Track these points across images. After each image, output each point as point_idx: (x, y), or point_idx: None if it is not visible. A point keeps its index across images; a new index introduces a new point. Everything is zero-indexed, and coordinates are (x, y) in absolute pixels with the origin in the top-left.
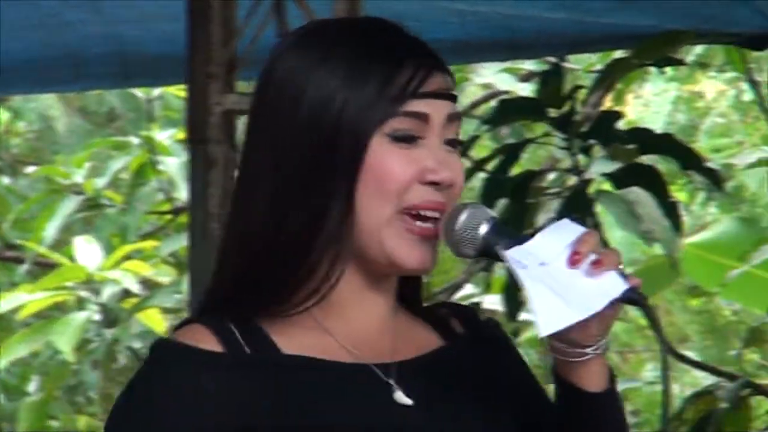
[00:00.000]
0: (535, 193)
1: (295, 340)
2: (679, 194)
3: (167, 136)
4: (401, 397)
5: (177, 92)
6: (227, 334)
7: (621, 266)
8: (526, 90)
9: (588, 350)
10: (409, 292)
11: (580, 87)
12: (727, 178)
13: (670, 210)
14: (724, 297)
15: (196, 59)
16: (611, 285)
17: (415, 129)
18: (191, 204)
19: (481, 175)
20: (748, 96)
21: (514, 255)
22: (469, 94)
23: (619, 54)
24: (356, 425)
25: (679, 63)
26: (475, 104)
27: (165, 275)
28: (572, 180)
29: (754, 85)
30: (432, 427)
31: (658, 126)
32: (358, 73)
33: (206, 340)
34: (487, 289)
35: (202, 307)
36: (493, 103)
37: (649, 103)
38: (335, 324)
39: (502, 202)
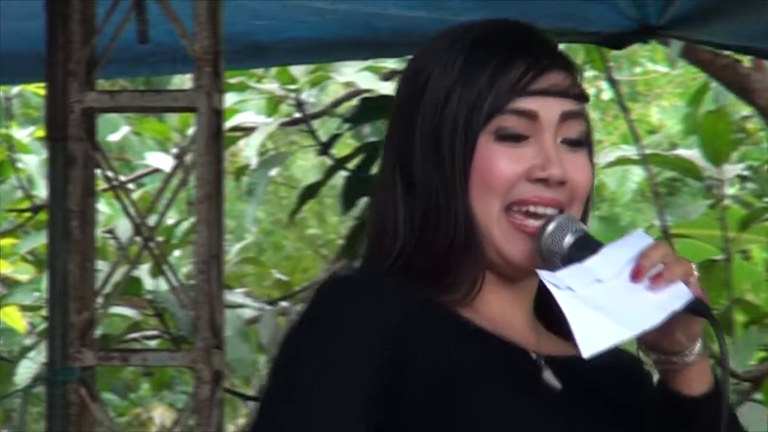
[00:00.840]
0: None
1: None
2: None
3: (26, 134)
4: (550, 378)
5: (36, 90)
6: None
7: (691, 276)
8: (388, 88)
9: (677, 358)
10: (544, 308)
11: None
12: None
13: None
14: None
15: (56, 57)
16: (674, 297)
17: (522, 127)
18: (51, 201)
19: (343, 173)
20: (607, 95)
21: (562, 274)
22: (330, 93)
23: None
24: (505, 394)
25: None
26: (337, 103)
27: (24, 273)
28: None
29: (614, 83)
30: (576, 412)
31: None
32: (469, 73)
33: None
34: None
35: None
36: (354, 101)
37: None
38: (483, 320)
39: (363, 201)
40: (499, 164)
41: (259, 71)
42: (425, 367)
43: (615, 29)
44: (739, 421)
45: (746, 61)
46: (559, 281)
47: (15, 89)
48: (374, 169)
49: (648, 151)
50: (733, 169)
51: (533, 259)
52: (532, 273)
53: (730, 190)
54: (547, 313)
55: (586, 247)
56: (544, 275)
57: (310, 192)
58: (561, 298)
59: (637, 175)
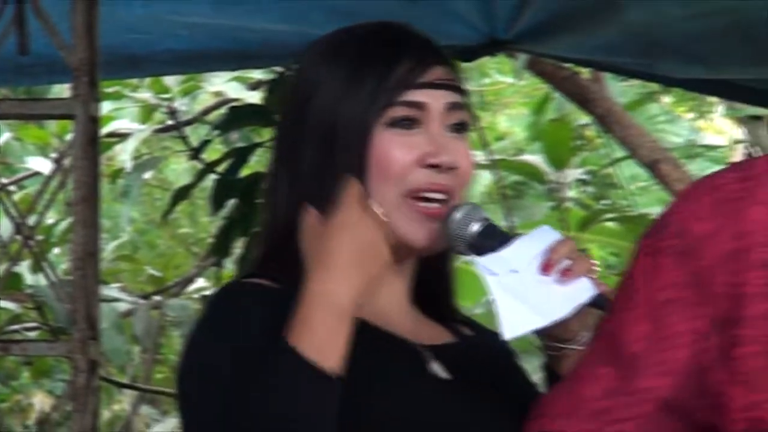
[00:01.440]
0: (262, 193)
1: None
2: None
3: None
4: (438, 369)
5: None
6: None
7: (593, 272)
8: (255, 97)
9: (570, 345)
10: (424, 295)
11: None
12: None
13: None
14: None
15: None
16: (579, 291)
17: (413, 113)
18: None
19: (213, 177)
20: None
21: (487, 262)
22: (201, 102)
23: None
24: (392, 387)
25: None
26: (207, 111)
27: None
28: None
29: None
30: (466, 399)
31: None
32: (358, 71)
33: (269, 285)
34: (217, 282)
35: (247, 273)
36: (223, 109)
37: None
38: (365, 312)
39: (232, 202)
40: (395, 152)
41: (134, 81)
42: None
43: (466, 43)
44: None
45: (585, 73)
46: (488, 267)
47: None
48: (242, 173)
49: (496, 157)
50: (573, 173)
51: (436, 240)
52: (409, 259)
53: (571, 193)
54: (425, 300)
55: (492, 236)
56: (477, 261)
57: (182, 194)
58: (491, 282)
59: (485, 178)
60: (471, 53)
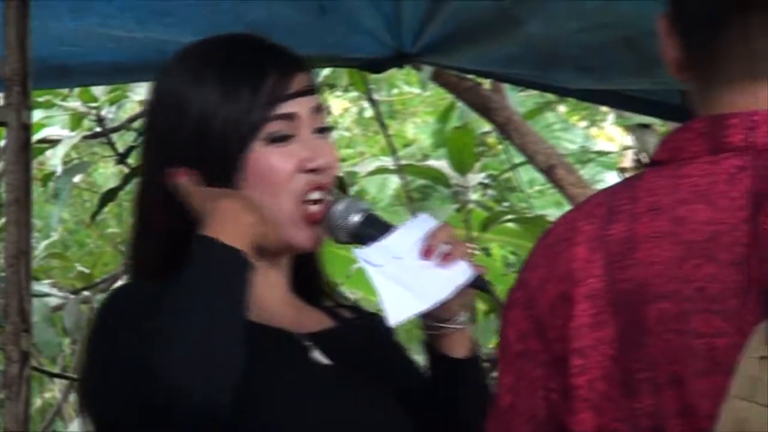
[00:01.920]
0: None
1: None
2: None
3: None
4: (319, 356)
5: None
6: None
7: (470, 255)
8: None
9: (451, 325)
10: (301, 283)
11: None
12: (351, 183)
13: None
14: (348, 286)
15: None
16: (458, 273)
17: (287, 128)
18: None
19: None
20: (369, 113)
21: (369, 252)
22: (127, 110)
23: None
24: (277, 378)
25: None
26: (133, 119)
27: None
28: None
29: (373, 103)
30: (346, 384)
31: None
32: (229, 89)
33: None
34: None
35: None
36: None
37: None
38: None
39: None
40: (276, 164)
41: (64, 91)
42: None
43: (375, 56)
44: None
45: (487, 83)
46: (371, 259)
47: None
48: None
49: (403, 162)
50: (475, 177)
51: (319, 242)
52: (286, 253)
53: (474, 196)
54: (303, 288)
55: (373, 225)
56: (358, 254)
57: (110, 196)
58: (373, 272)
59: (394, 182)
60: (379, 65)
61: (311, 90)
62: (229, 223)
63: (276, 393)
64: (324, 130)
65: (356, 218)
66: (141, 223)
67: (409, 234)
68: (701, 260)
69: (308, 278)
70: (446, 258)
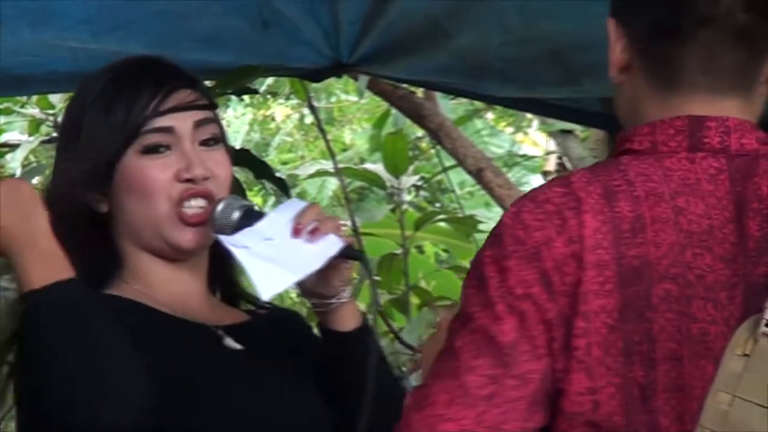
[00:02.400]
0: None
1: (138, 299)
2: (255, 199)
3: None
4: (231, 342)
5: None
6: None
7: (340, 228)
8: None
9: (334, 300)
10: (219, 285)
11: None
12: (293, 185)
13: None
14: None
15: None
16: (328, 246)
17: (164, 140)
18: None
19: None
20: (308, 119)
21: (238, 237)
22: None
23: (207, 83)
24: (193, 364)
25: (254, 92)
26: None
27: None
28: None
29: (313, 110)
30: (258, 369)
31: (237, 143)
32: (107, 106)
33: None
34: None
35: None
36: None
37: (230, 124)
38: (159, 296)
39: None
40: (151, 174)
41: (23, 98)
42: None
43: (314, 66)
44: (385, 355)
45: (419, 92)
46: (237, 242)
47: None
48: None
49: (341, 165)
50: (409, 180)
51: (203, 240)
52: (200, 254)
53: (407, 197)
54: (220, 287)
55: (251, 217)
56: (223, 239)
57: None
58: (239, 254)
59: (332, 184)
60: (318, 75)
61: (195, 106)
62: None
63: (192, 377)
64: (211, 142)
65: (236, 214)
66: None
67: (280, 218)
68: (701, 250)
69: (224, 281)
70: (314, 233)
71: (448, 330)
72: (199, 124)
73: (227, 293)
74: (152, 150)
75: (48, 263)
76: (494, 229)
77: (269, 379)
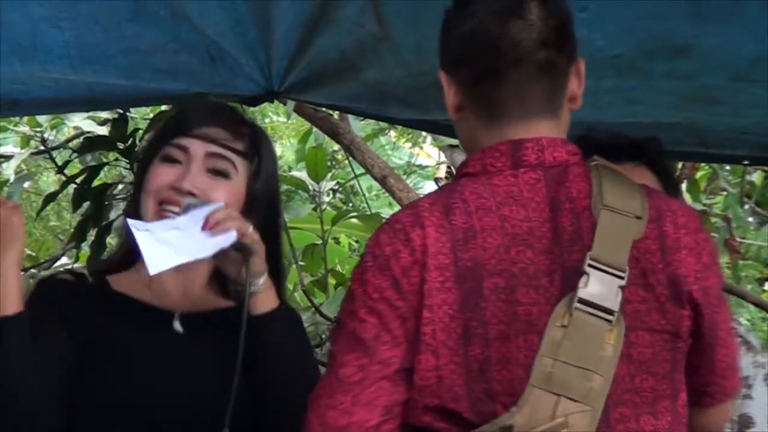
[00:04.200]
0: (109, 198)
1: (122, 286)
2: None
3: None
4: (177, 326)
5: None
6: (81, 277)
7: (245, 229)
8: (103, 130)
9: (248, 288)
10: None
11: (138, 129)
12: None
13: None
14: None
15: None
16: (225, 239)
17: (178, 155)
18: None
19: (73, 186)
20: None
21: (150, 224)
22: (64, 133)
23: (164, 108)
24: (141, 340)
25: None
26: (69, 140)
27: None
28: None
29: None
30: (196, 351)
31: None
32: (163, 124)
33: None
34: (76, 260)
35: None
36: (81, 139)
37: None
38: (150, 282)
39: (87, 204)
40: (156, 176)
41: (16, 119)
42: (81, 330)
43: (252, 93)
44: (303, 327)
45: (335, 114)
46: (140, 226)
47: None
48: (94, 183)
49: None
50: (327, 184)
51: None
52: None
53: (326, 199)
54: (216, 279)
55: (189, 210)
56: (129, 222)
57: (51, 198)
58: (137, 235)
59: None
60: (255, 100)
61: (217, 142)
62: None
63: (132, 350)
64: (217, 174)
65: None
66: None
67: (200, 214)
68: (522, 247)
69: (218, 276)
70: (215, 227)
71: (330, 337)
72: (212, 156)
73: (220, 286)
74: (167, 159)
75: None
76: (361, 255)
77: (193, 362)
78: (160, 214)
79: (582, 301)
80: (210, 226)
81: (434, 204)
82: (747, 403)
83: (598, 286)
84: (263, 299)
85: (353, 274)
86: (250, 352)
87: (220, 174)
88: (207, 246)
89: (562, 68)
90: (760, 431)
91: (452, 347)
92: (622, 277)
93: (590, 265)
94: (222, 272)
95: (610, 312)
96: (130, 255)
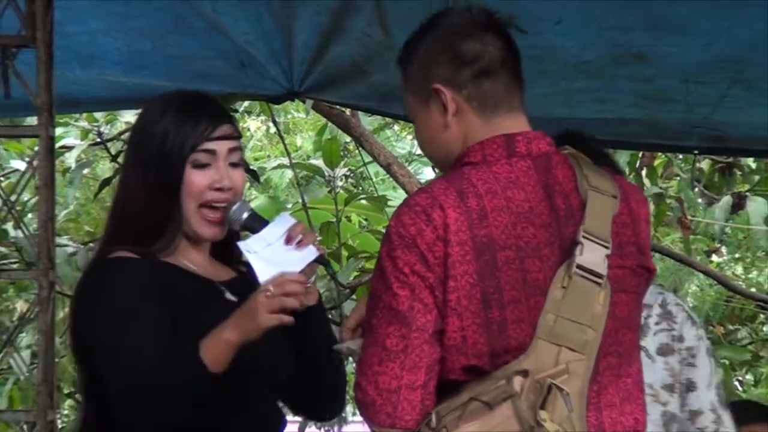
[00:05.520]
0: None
1: (165, 257)
2: None
3: None
4: (230, 295)
5: None
6: (138, 252)
7: (316, 241)
8: None
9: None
10: (219, 253)
11: None
12: (261, 174)
13: None
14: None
15: None
16: (308, 253)
17: (207, 159)
18: None
19: None
20: (272, 129)
21: (249, 242)
22: (117, 127)
23: None
24: (202, 310)
25: (235, 111)
26: (121, 133)
27: None
28: None
29: (276, 123)
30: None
31: None
32: (177, 127)
33: (131, 255)
34: None
35: (106, 246)
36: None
37: None
38: (185, 259)
39: None
40: (195, 180)
41: (76, 115)
42: (168, 295)
43: (275, 93)
44: (329, 322)
45: (347, 111)
46: (250, 248)
47: None
48: None
49: (295, 161)
50: (341, 171)
51: (219, 234)
52: (200, 239)
53: (339, 183)
54: (221, 256)
55: (256, 220)
56: (240, 245)
57: (106, 183)
58: (250, 258)
59: (288, 174)
60: (278, 99)
61: (232, 137)
62: (231, 325)
63: (204, 319)
64: (236, 165)
65: (244, 215)
66: (122, 203)
67: (277, 228)
68: (526, 224)
69: (224, 251)
70: (300, 244)
71: (366, 308)
72: (231, 151)
73: (225, 255)
74: (199, 165)
75: None
76: (385, 231)
77: None
78: (202, 213)
79: (579, 267)
80: (295, 242)
81: (447, 189)
82: (691, 370)
83: (590, 254)
84: (314, 294)
85: (381, 253)
86: (301, 331)
87: (237, 164)
88: (298, 261)
89: (519, 69)
90: (700, 394)
91: (474, 311)
92: (607, 247)
93: (584, 237)
94: (219, 246)
95: (600, 276)
96: (160, 224)
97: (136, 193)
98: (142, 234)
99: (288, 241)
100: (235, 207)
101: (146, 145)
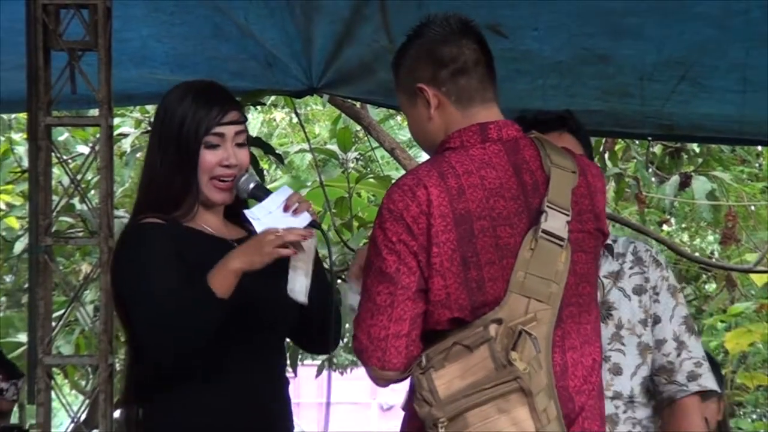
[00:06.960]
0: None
1: (186, 221)
2: (264, 166)
3: (19, 136)
4: None
5: (23, 115)
6: (164, 218)
7: (311, 208)
8: None
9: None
10: (231, 215)
11: None
12: (285, 158)
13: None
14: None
15: (32, 99)
16: (303, 219)
17: (217, 140)
18: (30, 167)
19: None
20: (295, 120)
21: (253, 210)
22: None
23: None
24: (217, 262)
25: (263, 104)
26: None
27: (18, 201)
28: None
29: (297, 114)
30: (256, 271)
31: (254, 133)
32: (193, 111)
33: (158, 221)
34: None
35: (137, 213)
36: None
37: (250, 123)
38: (203, 223)
39: None
40: (208, 159)
41: (131, 108)
42: (189, 252)
43: (296, 88)
44: (342, 296)
45: (358, 104)
46: (254, 215)
47: (13, 115)
48: None
49: (314, 146)
50: (352, 154)
51: (228, 199)
52: (220, 206)
53: (351, 165)
54: (232, 216)
55: (260, 190)
56: (246, 212)
57: None
58: (255, 224)
59: (308, 157)
60: (299, 94)
61: (239, 122)
62: (237, 254)
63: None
64: (241, 145)
65: (251, 185)
66: (149, 178)
67: (278, 197)
68: (498, 198)
69: (235, 215)
70: (296, 211)
71: (363, 271)
72: (237, 133)
73: (236, 218)
74: (210, 146)
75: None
76: (379, 207)
77: (268, 279)
78: (213, 183)
79: (544, 231)
80: (292, 209)
81: (430, 171)
82: (655, 306)
83: (553, 221)
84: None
85: (375, 224)
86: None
87: (243, 144)
88: (293, 224)
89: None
90: (664, 325)
91: (455, 272)
92: (567, 215)
93: (548, 206)
94: (231, 212)
95: (562, 239)
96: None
97: (160, 169)
98: (165, 203)
99: (286, 208)
100: (243, 178)
101: (167, 129)
